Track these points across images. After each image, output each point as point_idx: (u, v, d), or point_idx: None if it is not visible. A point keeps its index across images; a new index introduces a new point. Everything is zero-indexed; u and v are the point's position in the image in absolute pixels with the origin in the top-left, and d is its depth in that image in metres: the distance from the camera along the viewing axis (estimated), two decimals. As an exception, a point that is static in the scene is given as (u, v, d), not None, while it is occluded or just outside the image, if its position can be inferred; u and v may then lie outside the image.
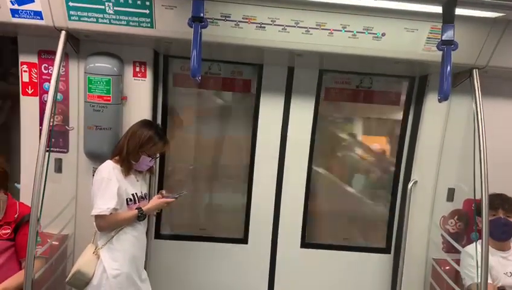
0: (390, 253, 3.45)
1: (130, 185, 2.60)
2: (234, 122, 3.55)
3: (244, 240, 3.40)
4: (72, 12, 2.50)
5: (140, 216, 2.57)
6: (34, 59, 2.85)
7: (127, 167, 2.59)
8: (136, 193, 2.62)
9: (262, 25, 2.55)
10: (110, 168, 2.54)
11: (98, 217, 2.48)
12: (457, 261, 2.98)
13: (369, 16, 2.53)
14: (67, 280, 2.54)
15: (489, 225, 2.78)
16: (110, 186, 2.48)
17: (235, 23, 2.54)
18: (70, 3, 2.47)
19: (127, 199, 2.57)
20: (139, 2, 2.47)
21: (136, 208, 2.58)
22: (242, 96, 3.41)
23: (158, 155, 2.76)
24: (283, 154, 3.33)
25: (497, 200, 2.87)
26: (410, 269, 3.23)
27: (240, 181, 3.43)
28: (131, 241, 2.60)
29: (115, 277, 2.50)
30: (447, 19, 2.13)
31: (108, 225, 2.52)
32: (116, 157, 2.61)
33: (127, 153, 2.56)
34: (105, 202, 2.45)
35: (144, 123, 2.70)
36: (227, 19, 2.52)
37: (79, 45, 2.83)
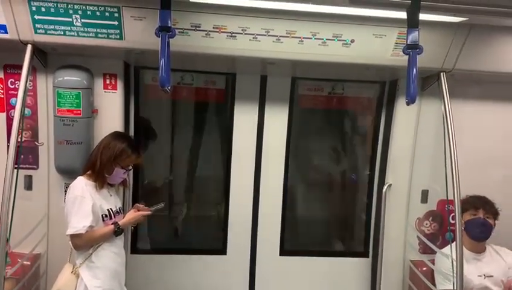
0: (368, 257, 3.48)
1: (104, 200, 2.54)
2: (209, 132, 3.53)
3: (222, 251, 3.37)
4: (38, 26, 2.44)
5: (117, 231, 2.51)
6: (0, 74, 2.78)
7: (101, 181, 2.53)
8: (111, 208, 2.57)
9: (233, 34, 2.55)
10: (82, 185, 2.48)
11: (74, 236, 2.41)
12: (434, 262, 3.02)
13: (338, 23, 2.56)
14: None
15: (468, 224, 2.87)
16: (84, 204, 2.42)
17: (206, 32, 2.53)
18: (36, 16, 2.41)
19: (102, 215, 2.51)
20: (107, 14, 2.44)
21: (112, 223, 2.53)
22: (216, 106, 3.40)
23: (131, 167, 2.71)
24: (259, 163, 3.32)
25: (479, 201, 2.93)
26: (388, 271, 3.26)
27: (217, 191, 3.40)
28: (111, 256, 2.54)
29: None
30: (411, 23, 2.18)
31: (85, 243, 2.45)
32: (88, 172, 2.54)
33: (100, 166, 2.50)
34: (80, 221, 2.39)
35: (116, 135, 2.65)
36: (197, 28, 2.51)
37: (46, 58, 2.77)
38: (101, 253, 2.50)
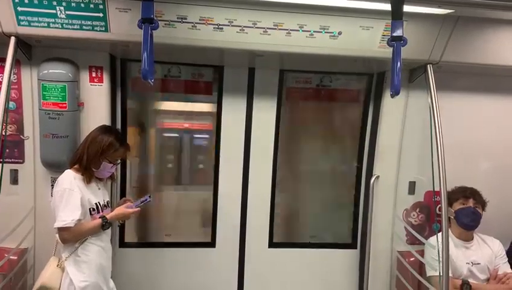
0: (356, 248, 3.51)
1: (92, 194, 2.53)
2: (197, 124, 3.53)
3: (211, 244, 3.38)
4: (21, 18, 2.41)
5: (105, 225, 2.50)
6: None
7: (88, 175, 2.51)
8: (98, 202, 2.55)
9: (219, 26, 2.54)
10: (71, 178, 2.45)
11: (62, 230, 2.39)
12: (421, 253, 3.05)
13: (325, 15, 2.56)
14: None
15: (458, 213, 2.92)
16: (73, 197, 2.40)
17: (192, 24, 2.52)
18: (19, 8, 2.38)
19: (90, 209, 2.49)
20: (92, 6, 2.41)
21: (99, 217, 2.51)
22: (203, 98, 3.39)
23: (119, 161, 2.69)
24: (247, 156, 3.32)
25: (469, 191, 2.98)
26: (376, 262, 3.29)
27: (205, 185, 3.40)
28: (97, 251, 2.53)
29: (83, 289, 2.43)
30: (395, 15, 2.19)
31: (72, 237, 2.43)
32: (76, 166, 2.52)
33: (87, 160, 2.48)
34: (68, 214, 2.37)
35: (104, 129, 2.62)
36: (183, 20, 2.49)
37: (31, 51, 2.73)
38: (88, 247, 2.49)
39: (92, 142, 2.51)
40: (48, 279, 2.42)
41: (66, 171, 2.51)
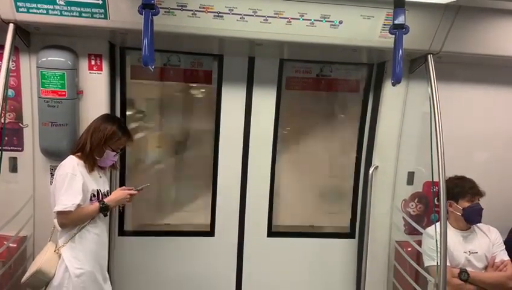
0: (354, 237, 3.52)
1: (93, 181, 2.54)
2: (196, 114, 3.51)
3: (210, 233, 3.39)
4: (19, 4, 2.38)
5: (103, 207, 2.49)
6: None
7: (91, 163, 2.52)
8: (99, 190, 2.56)
9: (220, 14, 2.52)
10: (74, 164, 2.46)
11: (61, 214, 2.39)
12: (419, 243, 3.07)
13: (326, 3, 2.55)
14: (23, 279, 2.44)
15: (468, 211, 2.92)
16: (75, 181, 2.40)
17: (192, 12, 2.50)
18: (18, -6, 2.36)
19: (90, 195, 2.50)
20: (91, -7, 2.40)
21: (98, 201, 2.52)
22: (203, 87, 3.37)
23: (122, 149, 2.70)
24: (247, 145, 3.32)
25: (474, 186, 2.96)
26: (374, 252, 3.31)
27: (204, 174, 3.41)
28: (94, 239, 2.53)
29: (78, 276, 2.43)
30: (398, 3, 2.18)
31: (71, 222, 2.43)
32: (78, 154, 2.53)
33: (90, 148, 2.49)
34: (70, 198, 2.37)
35: (106, 117, 2.64)
36: (183, 8, 2.47)
37: (30, 38, 2.71)
38: (85, 235, 2.49)
39: (95, 130, 2.52)
40: (44, 264, 2.41)
41: (69, 156, 2.51)
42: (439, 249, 2.53)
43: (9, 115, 2.76)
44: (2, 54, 2.43)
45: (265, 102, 3.27)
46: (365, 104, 3.37)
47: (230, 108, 3.26)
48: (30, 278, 2.41)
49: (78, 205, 2.39)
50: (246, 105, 3.26)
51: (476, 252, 2.97)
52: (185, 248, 3.36)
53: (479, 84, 3.25)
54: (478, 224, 3.05)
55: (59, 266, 2.44)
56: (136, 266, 3.32)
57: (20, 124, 2.80)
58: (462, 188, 2.96)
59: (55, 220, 2.45)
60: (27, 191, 2.86)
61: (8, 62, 2.39)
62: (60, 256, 2.45)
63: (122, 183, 3.17)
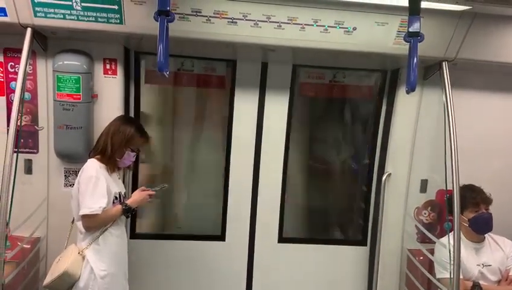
0: (366, 245, 3.49)
1: (115, 183, 2.58)
2: (209, 118, 3.52)
3: (221, 237, 3.39)
4: (37, 9, 2.42)
5: (125, 209, 2.52)
6: (0, 57, 2.76)
7: (112, 165, 2.56)
8: (120, 192, 2.61)
9: (234, 20, 2.54)
10: (96, 167, 2.49)
11: (86, 217, 2.41)
12: (432, 251, 3.02)
13: (340, 10, 2.55)
14: (47, 282, 2.44)
15: (474, 221, 2.85)
16: (100, 184, 2.43)
17: (207, 18, 2.52)
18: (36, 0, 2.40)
19: (113, 198, 2.53)
20: (107, -2, 2.43)
21: (119, 203, 2.55)
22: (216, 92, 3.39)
23: (139, 150, 2.73)
24: (259, 151, 3.32)
25: (475, 195, 2.89)
26: (385, 260, 3.28)
27: (216, 178, 3.41)
28: (116, 241, 2.56)
29: (103, 278, 2.45)
30: (413, 11, 2.16)
31: (97, 225, 2.46)
32: (98, 157, 2.55)
33: (112, 150, 2.52)
34: (96, 201, 2.39)
35: (124, 119, 2.68)
36: (198, 14, 2.49)
37: (46, 42, 2.75)
38: (107, 237, 2.51)
39: (116, 132, 2.55)
40: (71, 266, 2.42)
41: (89, 160, 2.53)
42: (452, 262, 2.49)
43: (25, 118, 2.79)
44: (20, 57, 2.46)
45: (277, 107, 3.27)
46: (378, 110, 3.35)
47: (243, 113, 3.26)
48: (56, 280, 2.41)
49: (104, 208, 2.42)
50: (258, 110, 3.26)
51: (490, 265, 2.91)
52: (196, 252, 3.37)
53: (494, 92, 3.22)
54: (493, 236, 3.00)
55: (84, 268, 2.45)
56: (147, 268, 3.33)
57: (35, 127, 2.84)
58: (463, 199, 2.83)
59: (79, 223, 2.47)
60: (41, 193, 2.90)
61: (26, 66, 2.43)
62: (84, 258, 2.46)
63: (134, 185, 3.19)
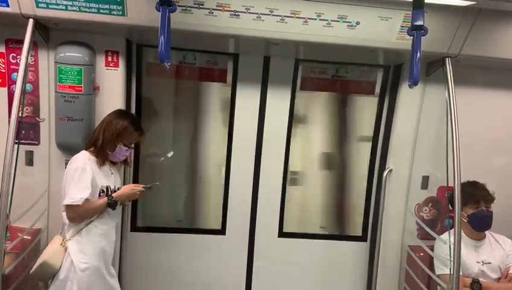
0: (366, 241, 3.49)
1: (104, 177, 2.56)
2: (210, 112, 3.51)
3: (221, 231, 3.39)
4: (39, 0, 2.42)
5: (110, 202, 2.51)
6: (1, 48, 2.76)
7: (102, 157, 2.55)
8: (109, 186, 2.58)
9: (236, 13, 2.52)
10: (85, 158, 2.49)
11: (69, 207, 2.42)
12: (432, 248, 3.03)
13: (343, 4, 2.53)
14: (32, 270, 2.46)
15: (472, 218, 2.85)
16: (85, 176, 2.43)
17: (209, 11, 2.51)
18: (38, -10, 2.40)
19: (99, 191, 2.52)
20: (109, -11, 2.42)
21: (106, 195, 2.54)
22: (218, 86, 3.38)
23: (134, 145, 2.71)
24: (260, 145, 3.32)
25: (476, 192, 2.89)
26: (386, 256, 3.27)
27: (217, 172, 3.41)
28: (100, 234, 2.55)
29: (83, 271, 2.44)
30: (417, 4, 2.15)
31: (79, 215, 2.45)
32: (91, 149, 2.56)
33: (102, 143, 2.52)
34: (78, 192, 2.39)
35: (119, 113, 2.66)
36: (200, 6, 2.48)
37: (48, 33, 2.74)
38: (92, 230, 2.51)
39: (108, 125, 2.55)
40: (50, 257, 2.43)
41: (81, 151, 2.54)
42: (452, 258, 2.49)
43: (26, 109, 2.80)
44: (21, 48, 2.46)
45: (279, 102, 3.27)
46: (381, 106, 3.34)
47: (245, 107, 3.26)
48: (37, 269, 2.43)
49: (86, 200, 2.41)
50: (260, 104, 3.26)
51: (490, 263, 2.91)
52: (196, 246, 3.37)
53: (498, 88, 3.20)
54: (493, 234, 3.00)
55: (65, 260, 2.45)
56: (147, 261, 3.34)
57: (37, 118, 2.84)
58: (464, 195, 2.82)
59: (64, 214, 2.47)
60: (42, 185, 2.90)
61: (27, 57, 2.42)
62: (66, 249, 2.46)
63: (135, 180, 3.19)
